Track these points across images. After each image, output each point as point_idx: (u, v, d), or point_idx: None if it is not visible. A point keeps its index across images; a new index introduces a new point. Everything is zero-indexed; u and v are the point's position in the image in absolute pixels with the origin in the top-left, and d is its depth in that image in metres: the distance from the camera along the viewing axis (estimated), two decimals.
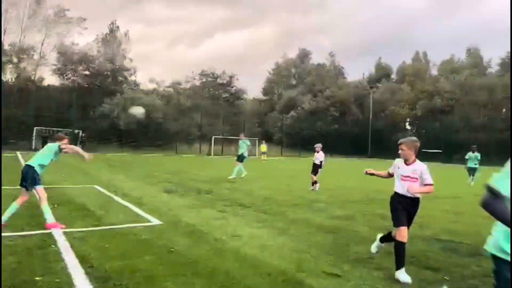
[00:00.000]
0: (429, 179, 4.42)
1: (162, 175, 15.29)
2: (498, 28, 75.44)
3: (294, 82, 63.33)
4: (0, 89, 31.36)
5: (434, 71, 59.03)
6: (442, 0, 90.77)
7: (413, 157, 4.51)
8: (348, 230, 6.62)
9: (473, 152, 16.24)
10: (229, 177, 14.63)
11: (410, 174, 4.43)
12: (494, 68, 52.83)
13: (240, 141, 15.91)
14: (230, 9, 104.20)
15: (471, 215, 8.55)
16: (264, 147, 36.13)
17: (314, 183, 12.42)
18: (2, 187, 8.05)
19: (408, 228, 4.45)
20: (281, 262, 4.71)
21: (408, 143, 4.49)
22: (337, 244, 5.69)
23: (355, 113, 57.22)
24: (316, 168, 12.54)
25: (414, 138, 4.67)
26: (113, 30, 47.24)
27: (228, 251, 5.11)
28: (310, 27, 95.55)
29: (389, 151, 52.13)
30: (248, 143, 16.13)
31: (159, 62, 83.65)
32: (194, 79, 51.51)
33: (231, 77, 51.58)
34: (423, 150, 48.29)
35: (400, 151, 4.52)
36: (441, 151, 46.37)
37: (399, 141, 4.56)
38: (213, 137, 40.56)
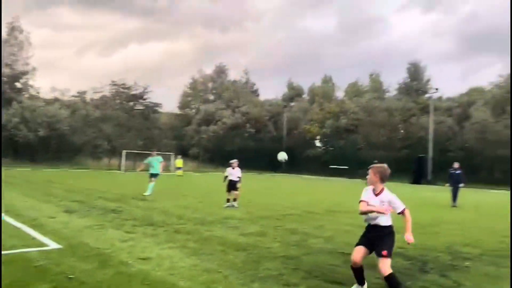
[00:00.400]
0: (400, 206, 4.34)
1: (63, 193, 14.10)
2: (396, 56, 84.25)
3: (211, 97, 63.51)
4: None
5: (340, 93, 63.70)
6: (350, 27, 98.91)
7: (379, 184, 4.33)
8: (260, 247, 6.68)
9: None
10: (144, 194, 14.01)
11: (379, 205, 4.28)
12: (392, 92, 58.56)
13: (150, 158, 15.31)
14: (145, 19, 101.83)
15: None
16: (179, 162, 35.38)
17: (234, 200, 12.33)
18: None
19: (370, 253, 4.44)
20: (191, 283, 4.57)
21: (374, 168, 4.33)
22: (249, 261, 5.71)
23: (270, 130, 59.06)
24: (233, 185, 12.47)
25: (382, 164, 4.44)
26: (13, 29, 42.97)
27: (135, 275, 4.82)
28: (226, 44, 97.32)
29: (301, 166, 54.81)
30: (161, 159, 15.60)
31: (65, 70, 78.21)
32: (103, 89, 48.72)
33: (144, 88, 49.81)
34: (330, 166, 51.64)
35: (367, 176, 4.36)
36: (347, 167, 49.69)
37: (369, 166, 4.41)
38: (124, 151, 38.66)
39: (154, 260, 5.51)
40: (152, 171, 14.90)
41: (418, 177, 39.59)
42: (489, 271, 5.77)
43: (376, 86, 58.27)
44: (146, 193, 14.07)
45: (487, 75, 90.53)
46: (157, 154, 16.00)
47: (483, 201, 20.75)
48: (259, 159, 53.05)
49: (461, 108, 47.93)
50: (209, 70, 65.14)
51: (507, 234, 9.37)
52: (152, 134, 46.99)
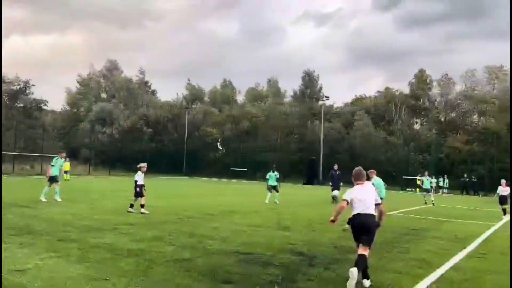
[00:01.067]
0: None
1: None
2: (292, 64, 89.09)
3: (104, 95, 59.75)
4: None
5: (240, 97, 65.33)
6: (251, 33, 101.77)
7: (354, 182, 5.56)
8: (153, 252, 6.48)
9: (273, 172, 18.28)
10: (55, 198, 13.46)
11: None
12: (288, 98, 61.80)
13: (54, 159, 14.26)
14: (29, 9, 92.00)
15: (267, 228, 9.58)
16: (66, 165, 32.48)
17: (142, 206, 11.55)
18: None
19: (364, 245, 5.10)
20: None
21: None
22: (139, 267, 5.49)
23: (171, 132, 57.82)
24: (141, 189, 11.70)
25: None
26: None
27: None
28: (123, 41, 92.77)
29: (202, 169, 54.67)
30: (61, 162, 14.54)
31: None
32: None
33: (25, 83, 44.62)
34: (231, 168, 52.43)
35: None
36: (246, 169, 50.95)
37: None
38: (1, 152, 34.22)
39: (31, 271, 4.99)
40: (55, 174, 13.80)
41: (310, 178, 42.24)
42: (371, 262, 6.40)
43: (275, 92, 60.96)
44: (56, 197, 13.52)
45: (371, 86, 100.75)
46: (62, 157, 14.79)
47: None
48: (159, 162, 51.55)
49: (348, 115, 52.61)
50: (101, 65, 60.80)
51: (386, 228, 10.53)
52: (35, 133, 42.42)
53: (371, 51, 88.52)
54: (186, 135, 55.25)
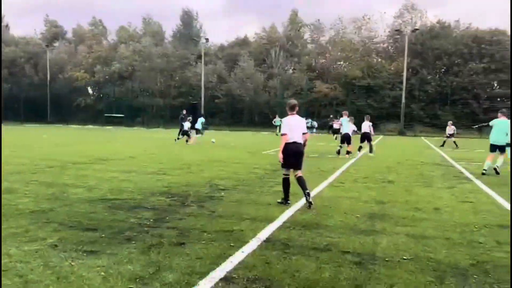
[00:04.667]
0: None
1: None
2: (170, 3, 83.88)
3: None
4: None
5: (112, 37, 59.74)
6: None
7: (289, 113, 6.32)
8: (6, 206, 5.64)
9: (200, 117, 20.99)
10: None
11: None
12: (168, 39, 58.71)
13: None
14: None
15: (140, 174, 9.16)
16: None
17: None
18: None
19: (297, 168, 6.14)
20: None
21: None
22: None
23: (31, 75, 50.67)
24: None
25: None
26: None
27: None
28: None
29: (71, 116, 49.66)
30: None
31: None
32: None
33: None
34: (105, 115, 48.83)
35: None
36: (123, 115, 48.06)
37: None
38: None
39: None
40: None
41: (193, 124, 42.05)
42: (240, 198, 6.59)
43: (152, 32, 57.14)
44: None
45: (252, 29, 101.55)
46: None
47: (248, 141, 23.89)
48: (17, 108, 45.20)
49: (230, 58, 52.55)
50: None
51: (258, 166, 11.02)
52: None
53: None
54: (48, 78, 49.06)
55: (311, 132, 38.81)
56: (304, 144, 6.20)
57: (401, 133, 39.00)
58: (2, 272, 3.29)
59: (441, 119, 38.68)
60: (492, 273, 3.47)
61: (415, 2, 49.61)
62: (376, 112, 39.92)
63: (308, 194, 5.93)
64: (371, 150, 15.14)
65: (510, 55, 39.05)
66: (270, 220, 5.11)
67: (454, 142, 21.11)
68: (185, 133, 20.00)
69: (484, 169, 10.19)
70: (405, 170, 10.87)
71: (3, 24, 53.87)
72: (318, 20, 53.33)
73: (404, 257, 3.83)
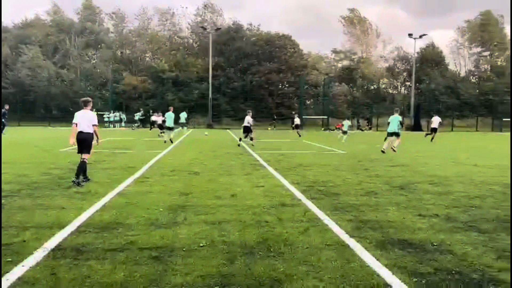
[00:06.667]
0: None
1: None
2: None
3: None
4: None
5: None
6: None
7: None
8: None
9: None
10: None
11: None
12: None
13: None
14: None
15: None
16: None
17: None
18: None
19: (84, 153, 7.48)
20: None
21: None
22: None
23: None
24: None
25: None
26: None
27: None
28: None
29: None
30: None
31: None
32: None
33: None
34: None
35: None
36: None
37: None
38: None
39: None
40: None
41: None
42: (25, 204, 5.71)
43: None
44: None
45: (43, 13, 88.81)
46: None
47: (44, 136, 20.93)
48: None
49: (16, 42, 45.00)
50: None
51: (54, 166, 9.78)
52: None
53: None
54: None
55: (120, 126, 37.04)
56: (97, 136, 7.57)
57: (209, 126, 41.24)
58: None
59: (221, 111, 44.14)
60: (273, 247, 3.98)
61: (213, 2, 52.95)
62: (185, 106, 41.00)
63: (76, 183, 7.11)
64: (251, 139, 17.43)
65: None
66: (62, 226, 4.59)
67: (298, 132, 26.22)
68: None
69: (382, 149, 14.12)
70: (210, 161, 11.50)
71: None
72: (119, 9, 51.13)
73: (201, 244, 4.01)
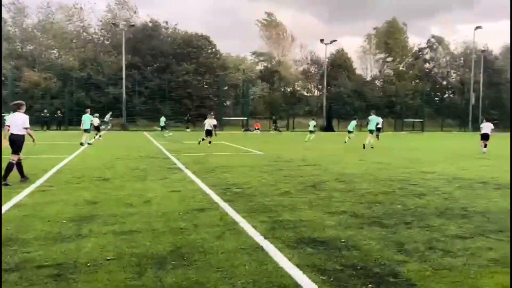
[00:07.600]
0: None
1: None
2: None
3: None
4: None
5: None
6: None
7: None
8: None
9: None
10: None
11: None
12: None
13: None
14: None
15: None
16: None
17: None
18: None
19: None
20: None
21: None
22: None
23: None
24: None
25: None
26: None
27: None
28: None
29: None
30: None
31: None
32: None
33: None
34: None
35: None
36: None
37: None
38: None
39: None
40: None
41: None
42: None
43: None
44: None
45: None
46: None
47: None
48: None
49: None
50: None
51: None
52: None
53: None
54: None
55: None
56: (32, 137, 8.04)
57: (124, 127, 39.28)
58: None
59: (162, 114, 41.49)
60: (187, 256, 3.86)
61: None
62: (98, 106, 38.56)
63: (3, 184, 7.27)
64: (210, 142, 18.00)
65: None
66: None
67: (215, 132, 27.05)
68: None
69: (364, 143, 17.52)
70: (123, 165, 10.92)
71: None
72: (18, 0, 46.51)
73: (108, 258, 3.74)
